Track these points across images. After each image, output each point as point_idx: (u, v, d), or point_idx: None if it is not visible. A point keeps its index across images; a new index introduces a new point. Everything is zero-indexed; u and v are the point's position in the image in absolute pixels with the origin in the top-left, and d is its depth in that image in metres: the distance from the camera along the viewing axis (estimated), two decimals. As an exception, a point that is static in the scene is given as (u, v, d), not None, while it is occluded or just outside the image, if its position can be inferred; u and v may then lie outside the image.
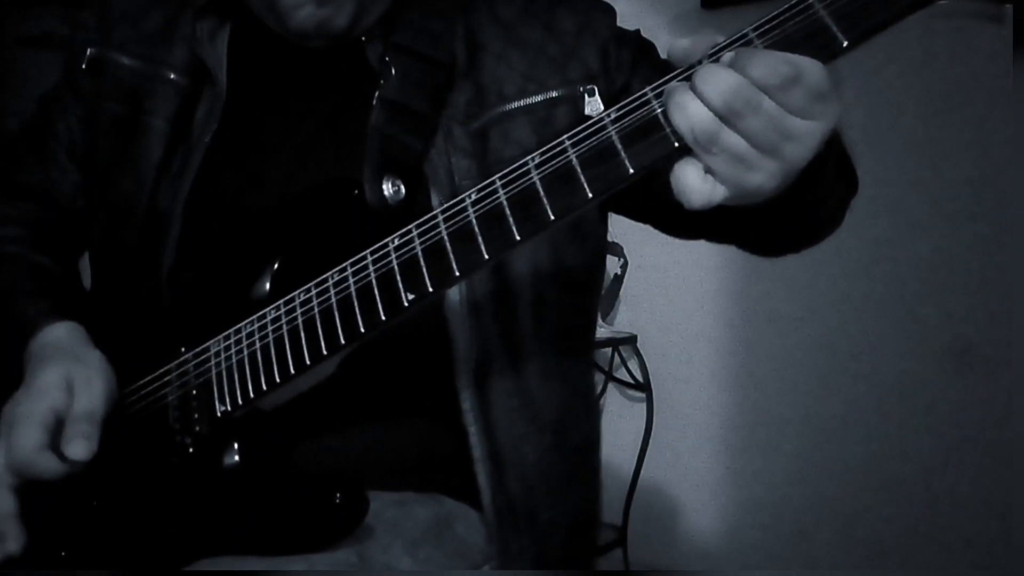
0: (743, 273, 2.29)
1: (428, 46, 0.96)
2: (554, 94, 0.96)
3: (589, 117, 0.71)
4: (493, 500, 0.93)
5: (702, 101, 0.64)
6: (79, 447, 0.82)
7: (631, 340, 2.45)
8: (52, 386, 0.86)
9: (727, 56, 0.64)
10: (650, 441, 2.41)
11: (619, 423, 2.49)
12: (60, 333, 0.94)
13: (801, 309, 2.24)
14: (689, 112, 0.64)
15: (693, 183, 0.66)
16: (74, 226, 1.09)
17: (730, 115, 0.63)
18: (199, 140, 0.98)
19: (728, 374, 2.36)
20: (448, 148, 0.94)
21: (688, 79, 0.65)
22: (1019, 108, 1.77)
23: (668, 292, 2.42)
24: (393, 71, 0.94)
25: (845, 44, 0.63)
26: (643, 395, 2.45)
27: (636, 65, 0.99)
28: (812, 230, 0.90)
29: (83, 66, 1.05)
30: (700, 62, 0.66)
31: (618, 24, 1.02)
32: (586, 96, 0.96)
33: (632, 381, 2.48)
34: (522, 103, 0.96)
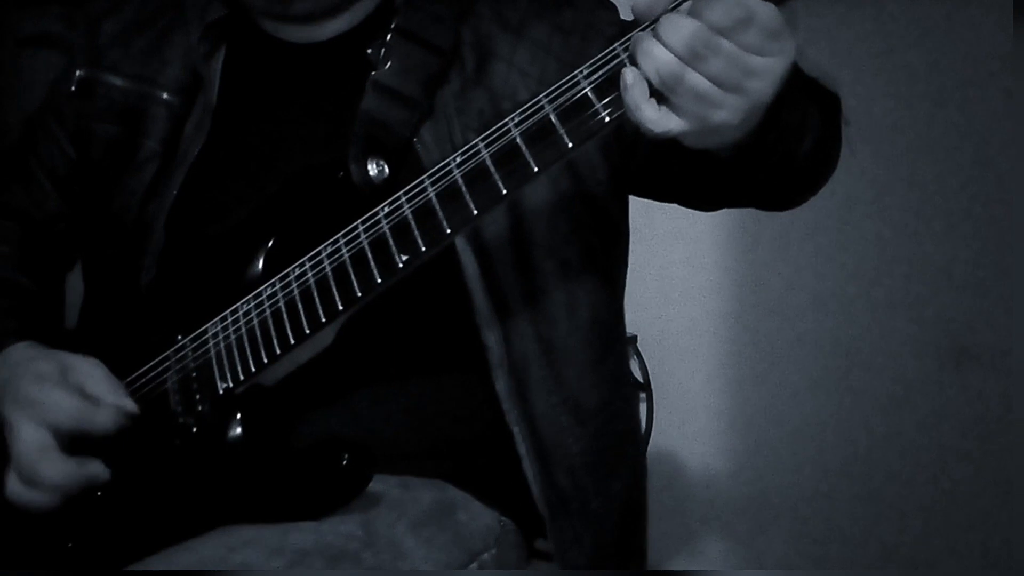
0: (743, 273, 2.29)
1: (429, 31, 0.97)
2: None
3: None
4: (543, 494, 0.95)
5: (665, 47, 0.68)
6: (129, 401, 0.87)
7: (631, 340, 2.45)
8: (47, 371, 0.89)
9: (686, 5, 0.69)
10: (650, 441, 2.41)
11: (619, 423, 2.49)
12: (19, 352, 0.95)
13: (801, 309, 2.24)
14: (654, 56, 0.69)
15: (651, 115, 0.70)
16: (55, 248, 1.12)
17: (692, 57, 0.68)
18: (185, 155, 0.99)
19: (728, 374, 2.36)
20: None
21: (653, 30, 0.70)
22: (1020, 107, 1.78)
23: (668, 292, 2.41)
24: (390, 57, 0.95)
25: None
26: (643, 395, 2.44)
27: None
28: (806, 169, 0.92)
29: (72, 88, 1.06)
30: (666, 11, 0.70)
31: (620, 16, 1.03)
32: None
33: (632, 381, 2.47)
34: None
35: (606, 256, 1.04)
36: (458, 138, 0.95)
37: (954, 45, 1.95)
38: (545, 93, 0.75)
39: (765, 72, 0.69)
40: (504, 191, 0.76)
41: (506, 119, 0.76)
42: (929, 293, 2.08)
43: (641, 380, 2.44)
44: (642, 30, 0.71)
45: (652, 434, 2.41)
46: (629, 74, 0.70)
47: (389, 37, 0.96)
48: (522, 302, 0.96)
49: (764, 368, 2.31)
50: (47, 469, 0.85)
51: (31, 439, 0.86)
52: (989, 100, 1.96)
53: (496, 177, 0.76)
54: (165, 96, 1.02)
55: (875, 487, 2.15)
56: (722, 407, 2.37)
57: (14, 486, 0.88)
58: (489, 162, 0.76)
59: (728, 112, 0.70)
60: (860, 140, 2.08)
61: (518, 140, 0.75)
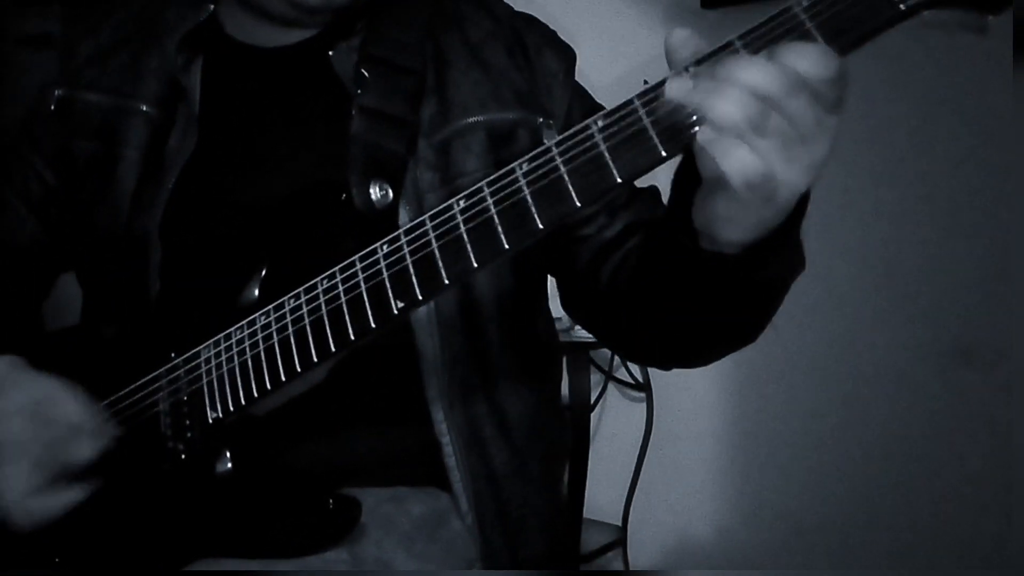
0: (743, 273, 2.28)
1: (400, 56, 0.98)
2: (513, 116, 0.99)
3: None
4: (471, 505, 0.95)
5: (749, 87, 0.61)
6: (107, 426, 0.87)
7: (631, 340, 2.45)
8: (19, 405, 0.88)
9: (764, 52, 0.63)
10: (650, 441, 2.41)
11: (619, 423, 2.49)
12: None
13: (801, 309, 2.22)
14: (735, 98, 0.61)
15: (742, 158, 0.63)
16: (32, 274, 1.11)
17: (778, 99, 0.61)
18: (172, 165, 0.99)
19: (728, 374, 2.36)
20: (413, 161, 0.96)
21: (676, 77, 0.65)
22: (1019, 108, 1.77)
23: (668, 292, 2.41)
24: (369, 80, 0.96)
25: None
26: (643, 395, 2.44)
27: (570, 110, 1.03)
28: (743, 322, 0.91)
29: (52, 107, 1.06)
30: (688, 67, 0.65)
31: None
32: (544, 128, 1.00)
33: (632, 381, 2.47)
34: (483, 118, 0.98)
35: (539, 279, 1.05)
36: (416, 157, 0.95)
37: (956, 51, 1.94)
38: (556, 142, 0.70)
39: (828, 129, 0.64)
40: (507, 247, 0.72)
41: (513, 166, 0.72)
42: (929, 293, 2.08)
43: (641, 380, 2.45)
44: (667, 79, 0.65)
45: (652, 434, 2.42)
46: (706, 130, 0.63)
47: (365, 65, 0.96)
48: (457, 313, 0.96)
49: (764, 368, 2.30)
50: (30, 511, 0.87)
51: (9, 481, 0.86)
52: (990, 102, 1.95)
53: (499, 230, 0.72)
54: (144, 108, 1.02)
55: (875, 486, 2.15)
56: (722, 407, 2.38)
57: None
58: (494, 214, 0.72)
59: (799, 166, 0.64)
60: (860, 143, 2.06)
61: (526, 193, 0.71)
